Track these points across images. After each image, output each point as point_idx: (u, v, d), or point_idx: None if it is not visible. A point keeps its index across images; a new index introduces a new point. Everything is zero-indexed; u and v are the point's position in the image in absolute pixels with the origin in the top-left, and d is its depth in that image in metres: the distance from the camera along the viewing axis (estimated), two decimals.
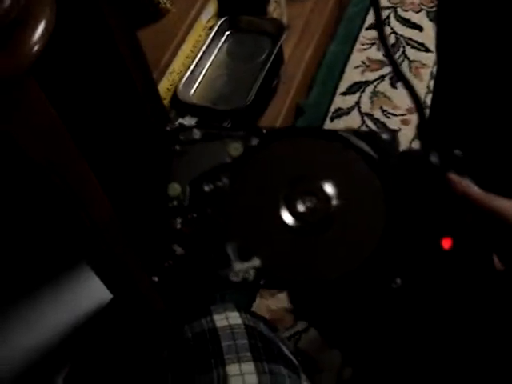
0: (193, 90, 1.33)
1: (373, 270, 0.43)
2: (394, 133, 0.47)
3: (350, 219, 0.45)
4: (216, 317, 0.61)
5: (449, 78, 0.93)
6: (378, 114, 1.50)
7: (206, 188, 0.45)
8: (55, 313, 1.01)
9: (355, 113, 1.51)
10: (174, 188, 0.46)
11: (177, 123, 1.33)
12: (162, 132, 0.47)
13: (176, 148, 0.47)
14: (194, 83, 1.34)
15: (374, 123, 1.49)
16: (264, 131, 0.48)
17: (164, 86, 1.27)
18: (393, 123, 1.48)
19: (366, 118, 1.50)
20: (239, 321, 0.62)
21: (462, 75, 0.87)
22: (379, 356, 0.60)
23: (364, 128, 1.49)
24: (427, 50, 1.59)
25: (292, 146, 0.48)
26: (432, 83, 1.51)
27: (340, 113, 1.52)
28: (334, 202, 0.45)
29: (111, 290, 0.97)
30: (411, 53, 1.59)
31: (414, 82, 1.53)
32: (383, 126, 1.48)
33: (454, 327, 0.50)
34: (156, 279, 0.43)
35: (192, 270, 0.44)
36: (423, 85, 1.53)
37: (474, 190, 0.45)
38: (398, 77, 0.99)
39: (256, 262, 0.44)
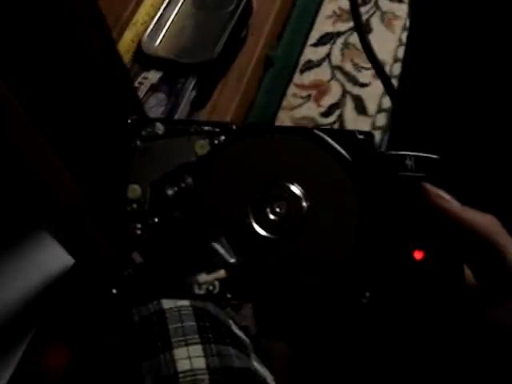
0: (158, 42, 1.28)
1: (342, 282, 0.41)
2: (370, 134, 0.45)
3: (320, 227, 0.43)
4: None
5: (422, 33, 0.90)
6: (348, 67, 1.47)
7: (169, 190, 0.42)
8: (18, 278, 0.99)
9: (325, 65, 1.47)
10: (134, 190, 0.42)
11: (140, 78, 1.28)
12: (123, 120, 0.44)
13: (137, 144, 0.43)
14: (159, 35, 1.28)
15: (345, 77, 1.45)
16: (233, 127, 0.44)
17: (128, 38, 1.21)
18: (364, 77, 1.45)
19: (336, 72, 1.46)
20: (186, 302, 0.61)
21: (436, 31, 0.84)
22: (348, 369, 0.59)
23: (334, 82, 1.45)
24: (400, 1, 1.54)
25: (262, 143, 0.45)
26: (404, 36, 1.47)
27: (310, 65, 1.48)
28: (305, 208, 0.43)
29: (74, 257, 0.95)
30: (384, 4, 1.55)
31: (386, 34, 1.49)
32: (354, 79, 1.44)
33: (422, 339, 0.48)
34: (114, 291, 0.40)
35: (152, 281, 0.41)
36: (395, 37, 1.49)
37: (448, 201, 0.43)
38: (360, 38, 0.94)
39: (221, 273, 0.41)
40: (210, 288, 0.41)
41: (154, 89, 1.28)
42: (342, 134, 0.44)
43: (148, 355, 0.56)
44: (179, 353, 0.56)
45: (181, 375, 0.55)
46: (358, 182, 0.43)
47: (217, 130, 0.44)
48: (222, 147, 0.43)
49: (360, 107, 1.41)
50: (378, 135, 1.38)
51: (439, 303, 0.42)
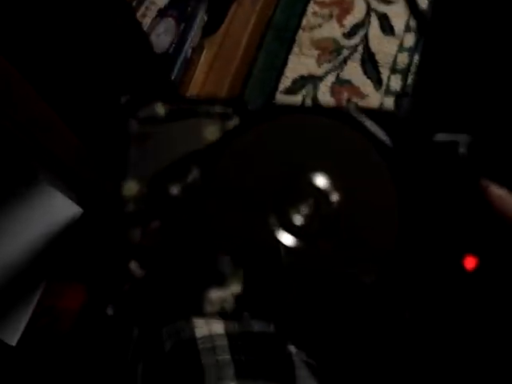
0: None
1: (378, 300, 0.34)
2: (417, 116, 0.36)
3: (354, 232, 0.35)
4: (196, 322, 0.52)
5: None
6: None
7: (173, 188, 0.35)
8: (25, 230, 0.94)
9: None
10: (131, 187, 0.35)
11: (146, 2, 1.17)
12: (125, 60, 0.35)
13: (133, 130, 0.35)
14: None
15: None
16: (249, 107, 0.36)
17: None
18: None
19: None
20: (221, 329, 0.54)
21: None
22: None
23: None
24: None
25: (283, 128, 0.36)
26: None
27: None
28: (336, 207, 0.35)
29: (81, 207, 0.90)
30: None
31: None
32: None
33: (474, 365, 0.41)
34: (110, 312, 0.33)
35: (155, 297, 0.34)
36: None
37: None
38: None
39: (236, 287, 0.34)
40: (224, 305, 0.34)
41: (161, 14, 1.18)
42: (382, 114, 0.36)
43: None
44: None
45: None
46: (398, 172, 0.35)
47: (229, 110, 0.35)
48: (235, 133, 0.35)
49: (386, 26, 1.30)
50: (405, 57, 1.28)
51: (494, 324, 0.35)
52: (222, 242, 0.34)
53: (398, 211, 0.35)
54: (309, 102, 1.25)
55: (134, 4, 1.16)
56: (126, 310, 0.34)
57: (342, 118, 0.36)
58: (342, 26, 1.31)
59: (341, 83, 1.26)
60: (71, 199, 0.88)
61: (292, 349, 0.56)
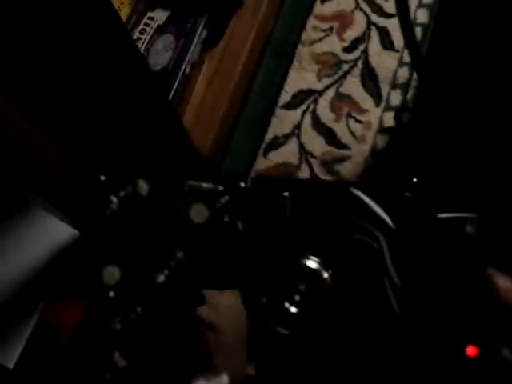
0: None
1: None
2: (421, 191, 0.35)
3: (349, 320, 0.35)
4: None
5: None
6: None
7: (158, 274, 0.34)
8: (21, 255, 0.95)
9: None
10: (111, 273, 0.34)
11: (145, 19, 1.17)
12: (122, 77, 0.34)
13: (112, 209, 0.34)
14: None
15: (369, 6, 1.32)
16: (242, 184, 0.35)
17: None
18: (390, 6, 1.31)
19: (359, 0, 1.33)
20: None
21: None
22: None
23: (357, 12, 1.32)
24: None
25: (275, 211, 0.35)
26: None
27: None
28: (328, 283, 0.35)
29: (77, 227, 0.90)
30: None
31: None
32: (379, 9, 1.31)
33: None
34: None
35: None
36: None
37: None
38: None
39: (224, 379, 0.34)
40: None
41: (160, 30, 1.18)
42: (385, 191, 0.35)
43: None
44: None
45: None
46: (400, 254, 0.34)
47: (219, 188, 0.34)
48: (225, 213, 0.34)
49: (386, 41, 1.29)
50: (405, 72, 1.27)
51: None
52: (210, 333, 0.34)
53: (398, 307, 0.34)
54: (308, 117, 1.25)
55: (132, 20, 1.16)
56: None
57: (343, 197, 0.35)
58: (342, 40, 1.30)
59: (340, 98, 1.26)
60: (66, 222, 0.88)
61: None
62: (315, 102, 1.26)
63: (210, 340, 0.33)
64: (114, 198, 0.33)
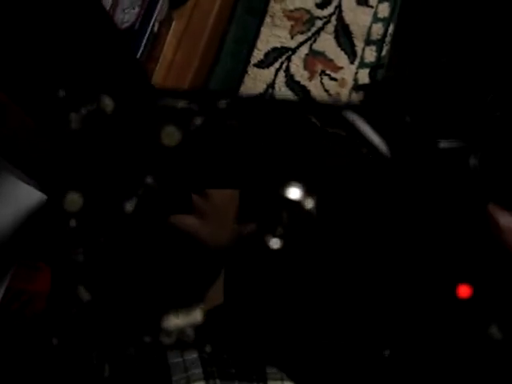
0: None
1: (360, 334, 0.32)
2: (425, 115, 0.32)
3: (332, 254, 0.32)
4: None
5: None
6: None
7: (125, 202, 0.31)
8: None
9: None
10: (73, 200, 0.31)
11: None
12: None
13: (71, 128, 0.30)
14: None
15: None
16: (221, 104, 0.31)
17: None
18: None
19: None
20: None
21: None
22: None
23: None
24: None
25: (256, 130, 0.32)
26: None
27: None
28: (312, 214, 0.32)
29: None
30: None
31: None
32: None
33: None
34: (55, 341, 0.30)
35: (104, 325, 0.31)
36: None
37: None
38: None
39: (196, 316, 0.31)
40: (181, 337, 0.31)
41: None
42: (381, 116, 0.32)
43: None
44: None
45: None
46: (395, 186, 0.31)
47: (193, 106, 0.31)
48: (200, 136, 0.31)
49: None
50: (380, 28, 1.25)
51: (490, 357, 0.32)
52: (181, 261, 0.31)
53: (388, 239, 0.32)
54: (282, 75, 1.22)
55: None
56: (73, 338, 0.31)
57: (334, 120, 0.32)
58: None
59: (314, 55, 1.23)
60: (32, 185, 0.85)
61: None
62: (288, 59, 1.23)
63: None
64: (74, 116, 0.29)
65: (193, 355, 0.52)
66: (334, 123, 0.32)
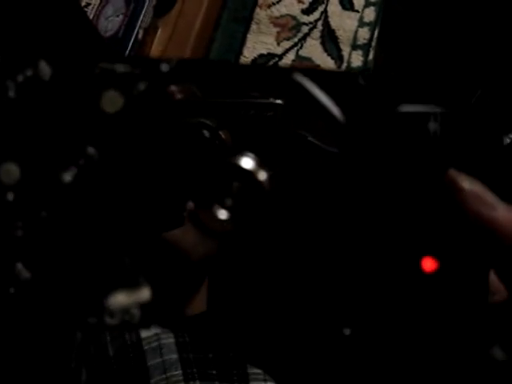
0: None
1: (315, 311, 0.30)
2: (379, 79, 0.31)
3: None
4: None
5: None
6: None
7: (64, 173, 0.29)
8: None
9: None
10: (10, 171, 0.29)
11: None
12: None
13: (9, 96, 0.29)
14: None
15: None
16: (163, 68, 0.29)
17: None
18: None
19: None
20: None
21: None
22: None
23: None
24: None
25: (201, 95, 0.30)
26: None
27: None
28: (264, 184, 0.30)
29: None
30: None
31: None
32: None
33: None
34: None
35: (43, 305, 0.29)
36: None
37: (492, 206, 0.29)
38: None
39: (144, 293, 0.29)
40: (126, 318, 0.29)
41: None
42: (335, 78, 0.30)
43: None
44: None
45: None
46: (350, 154, 0.30)
47: (136, 71, 0.30)
48: (141, 101, 0.30)
49: (346, 1, 1.26)
50: (366, 32, 1.24)
51: (455, 333, 0.31)
52: (125, 234, 0.30)
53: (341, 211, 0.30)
54: None
55: None
56: (11, 318, 0.29)
57: (281, 83, 0.30)
58: (300, 1, 1.27)
59: (301, 61, 1.22)
60: None
61: None
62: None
63: None
64: (10, 83, 0.28)
65: (172, 356, 0.51)
66: (283, 89, 0.30)
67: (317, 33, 1.24)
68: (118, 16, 1.13)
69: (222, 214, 0.30)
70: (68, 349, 0.57)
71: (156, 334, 0.51)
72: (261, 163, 0.30)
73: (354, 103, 0.30)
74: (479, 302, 0.31)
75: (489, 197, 0.30)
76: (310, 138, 0.31)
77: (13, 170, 0.29)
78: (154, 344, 0.51)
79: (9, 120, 0.29)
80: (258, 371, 0.52)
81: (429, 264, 0.30)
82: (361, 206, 0.30)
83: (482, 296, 0.30)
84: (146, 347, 0.50)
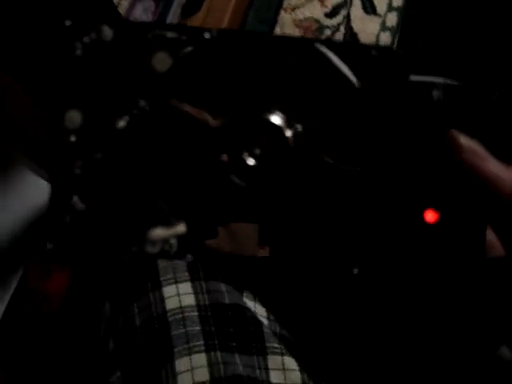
0: None
1: (330, 252, 0.33)
2: (390, 51, 0.34)
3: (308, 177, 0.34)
4: (166, 292, 0.52)
5: None
6: None
7: (119, 120, 0.33)
8: (5, 211, 0.93)
9: None
10: (73, 117, 0.33)
11: None
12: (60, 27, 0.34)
13: (76, 55, 0.33)
14: None
15: None
16: (206, 35, 0.33)
17: None
18: None
19: None
20: (192, 300, 0.54)
21: None
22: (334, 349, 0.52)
23: None
24: None
25: (238, 59, 0.33)
26: None
27: None
28: (290, 140, 0.34)
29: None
30: None
31: None
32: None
33: (433, 321, 0.40)
34: (50, 246, 0.32)
35: (95, 233, 0.33)
36: None
37: (486, 160, 0.33)
38: None
39: (180, 228, 0.33)
40: (166, 247, 0.33)
41: None
42: (351, 49, 0.33)
43: (150, 369, 0.52)
44: (181, 364, 0.51)
45: None
46: (363, 115, 0.33)
47: (183, 37, 0.34)
48: (188, 62, 0.34)
49: (368, 6, 1.29)
50: (388, 37, 1.27)
51: (455, 279, 0.34)
52: (168, 177, 0.33)
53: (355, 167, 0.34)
54: None
55: None
56: (65, 244, 0.33)
57: (307, 52, 0.34)
58: (323, 5, 1.30)
59: None
60: (43, 177, 0.86)
61: (264, 320, 0.55)
62: None
63: None
64: (78, 44, 0.32)
65: (195, 327, 0.53)
66: (309, 57, 0.34)
67: (339, 36, 1.27)
68: (147, 15, 1.17)
69: (250, 161, 0.33)
70: (97, 319, 0.60)
71: (180, 307, 0.54)
72: (289, 122, 0.34)
73: (368, 71, 0.34)
74: (477, 251, 0.34)
75: (482, 151, 0.34)
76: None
77: (76, 117, 0.33)
78: (178, 316, 0.53)
79: (75, 75, 0.33)
80: (276, 345, 0.54)
81: (431, 215, 0.34)
82: (372, 161, 0.34)
83: (479, 246, 0.34)
84: (170, 319, 0.53)
